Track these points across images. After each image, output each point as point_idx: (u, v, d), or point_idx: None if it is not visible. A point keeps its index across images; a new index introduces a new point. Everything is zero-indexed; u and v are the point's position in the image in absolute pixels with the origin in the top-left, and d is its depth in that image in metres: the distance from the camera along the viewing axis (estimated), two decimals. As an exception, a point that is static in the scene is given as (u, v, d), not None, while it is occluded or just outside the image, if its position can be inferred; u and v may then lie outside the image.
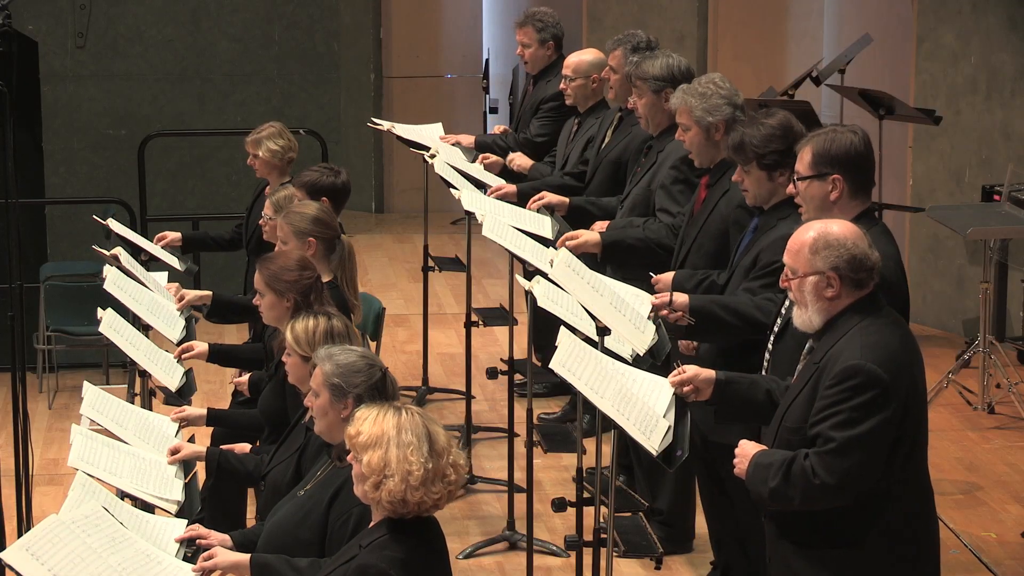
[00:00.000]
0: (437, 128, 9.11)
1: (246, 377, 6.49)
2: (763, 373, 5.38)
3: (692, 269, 6.33)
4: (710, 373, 4.95)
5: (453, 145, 8.89)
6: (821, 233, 4.63)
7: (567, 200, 7.66)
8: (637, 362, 5.40)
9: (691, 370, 4.94)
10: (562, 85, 8.41)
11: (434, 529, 4.36)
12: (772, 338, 5.35)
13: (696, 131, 6.39)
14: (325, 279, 6.20)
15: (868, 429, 4.46)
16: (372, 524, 4.36)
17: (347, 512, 4.64)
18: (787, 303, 5.31)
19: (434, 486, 4.23)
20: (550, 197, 7.62)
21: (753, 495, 4.67)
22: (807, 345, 4.75)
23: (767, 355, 5.39)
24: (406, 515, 4.25)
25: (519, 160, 8.68)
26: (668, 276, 6.33)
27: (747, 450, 4.68)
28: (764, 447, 4.68)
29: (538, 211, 7.53)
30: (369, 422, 4.26)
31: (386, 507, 4.24)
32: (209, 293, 7.08)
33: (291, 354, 5.31)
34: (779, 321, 5.33)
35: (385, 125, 9.17)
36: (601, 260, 7.05)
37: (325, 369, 4.79)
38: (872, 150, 5.24)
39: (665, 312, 5.66)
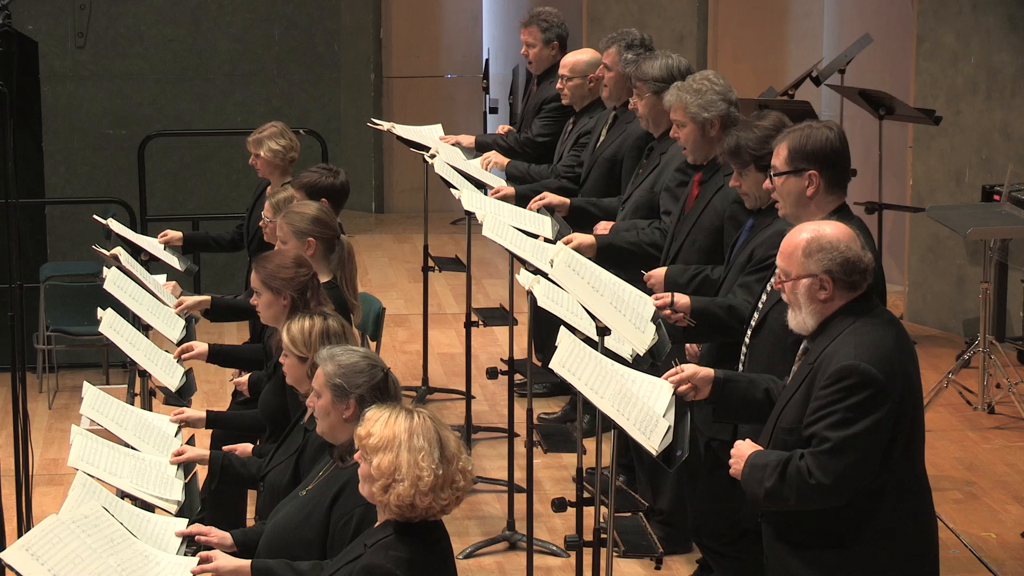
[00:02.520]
0: (437, 129, 9.11)
1: (246, 377, 6.49)
2: (740, 367, 5.39)
3: (684, 264, 6.33)
4: (708, 372, 4.95)
5: (453, 145, 8.89)
6: (814, 236, 4.62)
7: (568, 201, 7.67)
8: (637, 362, 5.41)
9: (689, 368, 4.94)
10: (559, 85, 8.41)
11: (439, 531, 4.35)
12: (749, 332, 5.37)
13: (692, 127, 6.40)
14: (325, 279, 6.20)
15: (863, 429, 4.46)
16: (377, 524, 4.35)
17: (349, 513, 4.63)
18: (763, 297, 5.33)
19: (443, 492, 4.22)
20: (551, 198, 7.62)
21: (749, 496, 4.66)
22: (802, 346, 4.75)
23: (744, 348, 5.41)
24: (413, 519, 4.25)
25: (495, 158, 8.68)
26: (660, 272, 6.34)
27: (742, 450, 4.68)
28: (759, 447, 4.67)
29: (538, 211, 7.53)
30: (381, 424, 4.25)
31: (394, 510, 4.23)
32: (208, 298, 7.07)
33: (288, 355, 5.30)
34: (756, 315, 5.36)
35: (385, 125, 9.17)
36: (596, 262, 7.06)
37: (327, 370, 4.78)
38: (848, 146, 5.25)
39: (667, 312, 5.66)
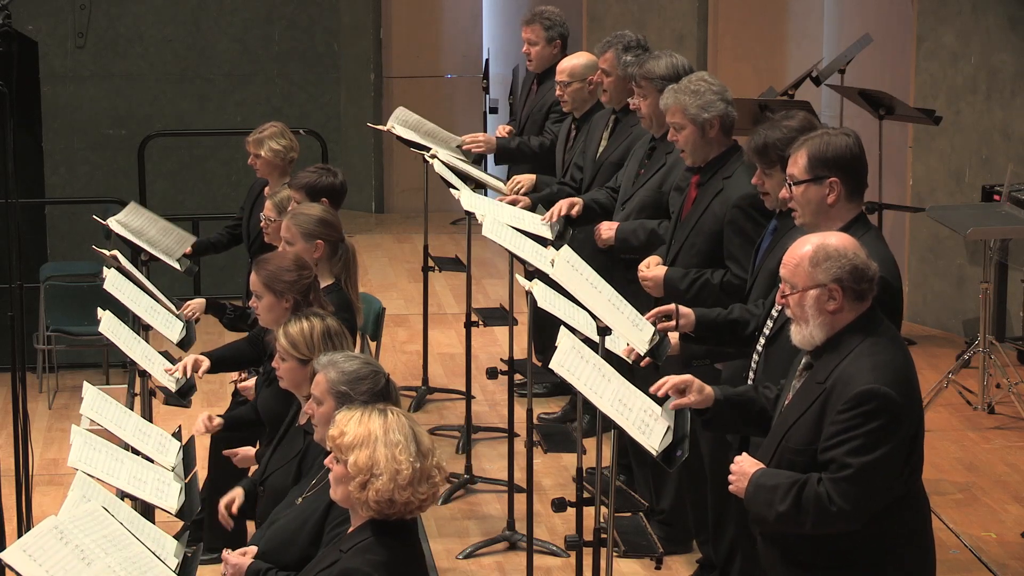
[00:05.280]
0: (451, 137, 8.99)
1: (251, 381, 6.46)
2: (751, 374, 5.34)
3: (684, 268, 6.31)
4: (710, 392, 4.84)
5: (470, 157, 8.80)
6: (820, 246, 4.55)
7: (580, 200, 7.54)
8: (636, 362, 5.42)
9: (695, 393, 4.82)
10: (558, 91, 8.31)
11: (414, 534, 4.35)
12: (763, 341, 5.28)
13: (691, 129, 6.36)
14: (328, 281, 6.19)
15: (883, 454, 4.39)
16: (353, 528, 4.32)
17: (343, 516, 4.61)
18: (778, 306, 5.25)
19: (420, 487, 4.22)
20: (565, 207, 7.47)
21: (753, 516, 4.60)
22: (803, 360, 4.67)
23: (756, 357, 5.33)
24: (391, 516, 4.23)
25: (524, 182, 8.43)
26: (659, 273, 6.30)
27: (745, 468, 4.59)
28: (761, 464, 4.60)
29: (536, 210, 7.51)
30: (354, 422, 4.24)
31: (372, 507, 4.21)
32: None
33: (286, 358, 5.27)
34: (770, 324, 5.28)
35: (397, 129, 9.07)
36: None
37: (330, 377, 4.76)
38: (864, 152, 5.19)
39: (667, 324, 5.58)
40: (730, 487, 4.63)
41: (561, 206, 7.44)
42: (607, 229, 7.20)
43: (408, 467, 4.18)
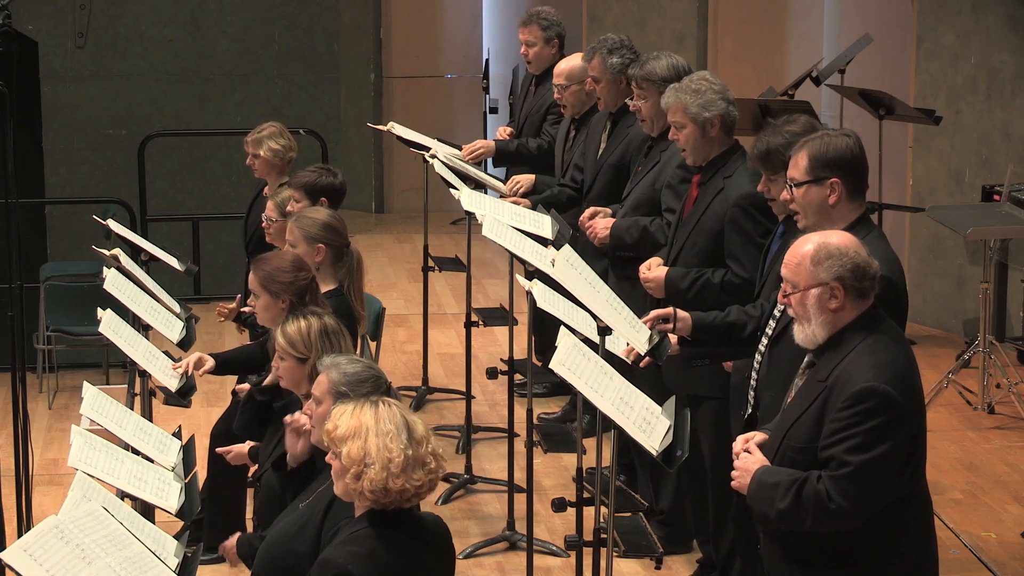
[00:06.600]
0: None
1: (246, 384, 6.44)
2: (754, 374, 5.34)
3: (685, 267, 6.31)
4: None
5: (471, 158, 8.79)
6: (821, 244, 4.56)
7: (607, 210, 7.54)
8: (636, 362, 5.41)
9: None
10: (556, 95, 8.28)
11: (425, 524, 4.34)
12: (766, 341, 5.28)
13: (692, 128, 6.35)
14: (331, 286, 6.17)
15: (882, 452, 4.40)
16: (354, 518, 4.34)
17: (337, 525, 4.61)
18: (781, 307, 5.25)
19: (415, 473, 4.23)
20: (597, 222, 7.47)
21: (756, 514, 4.61)
22: (806, 359, 4.68)
23: (759, 356, 5.32)
24: (388, 505, 4.24)
25: (523, 182, 8.47)
26: (660, 274, 6.30)
27: (748, 465, 4.61)
28: (765, 460, 4.61)
29: (536, 210, 7.51)
30: (347, 415, 4.27)
31: (368, 497, 4.23)
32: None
33: (284, 357, 5.27)
34: (773, 324, 5.28)
35: (397, 129, 9.06)
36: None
37: (332, 377, 4.77)
38: (865, 152, 5.19)
39: (665, 327, 5.58)
40: (732, 483, 4.65)
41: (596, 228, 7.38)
42: (603, 228, 7.21)
43: (400, 455, 4.19)
